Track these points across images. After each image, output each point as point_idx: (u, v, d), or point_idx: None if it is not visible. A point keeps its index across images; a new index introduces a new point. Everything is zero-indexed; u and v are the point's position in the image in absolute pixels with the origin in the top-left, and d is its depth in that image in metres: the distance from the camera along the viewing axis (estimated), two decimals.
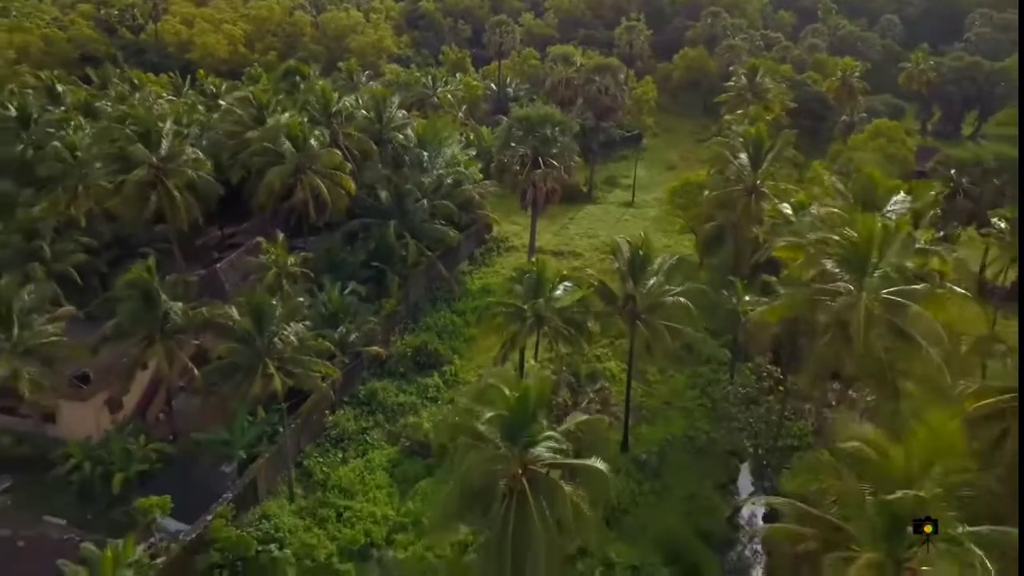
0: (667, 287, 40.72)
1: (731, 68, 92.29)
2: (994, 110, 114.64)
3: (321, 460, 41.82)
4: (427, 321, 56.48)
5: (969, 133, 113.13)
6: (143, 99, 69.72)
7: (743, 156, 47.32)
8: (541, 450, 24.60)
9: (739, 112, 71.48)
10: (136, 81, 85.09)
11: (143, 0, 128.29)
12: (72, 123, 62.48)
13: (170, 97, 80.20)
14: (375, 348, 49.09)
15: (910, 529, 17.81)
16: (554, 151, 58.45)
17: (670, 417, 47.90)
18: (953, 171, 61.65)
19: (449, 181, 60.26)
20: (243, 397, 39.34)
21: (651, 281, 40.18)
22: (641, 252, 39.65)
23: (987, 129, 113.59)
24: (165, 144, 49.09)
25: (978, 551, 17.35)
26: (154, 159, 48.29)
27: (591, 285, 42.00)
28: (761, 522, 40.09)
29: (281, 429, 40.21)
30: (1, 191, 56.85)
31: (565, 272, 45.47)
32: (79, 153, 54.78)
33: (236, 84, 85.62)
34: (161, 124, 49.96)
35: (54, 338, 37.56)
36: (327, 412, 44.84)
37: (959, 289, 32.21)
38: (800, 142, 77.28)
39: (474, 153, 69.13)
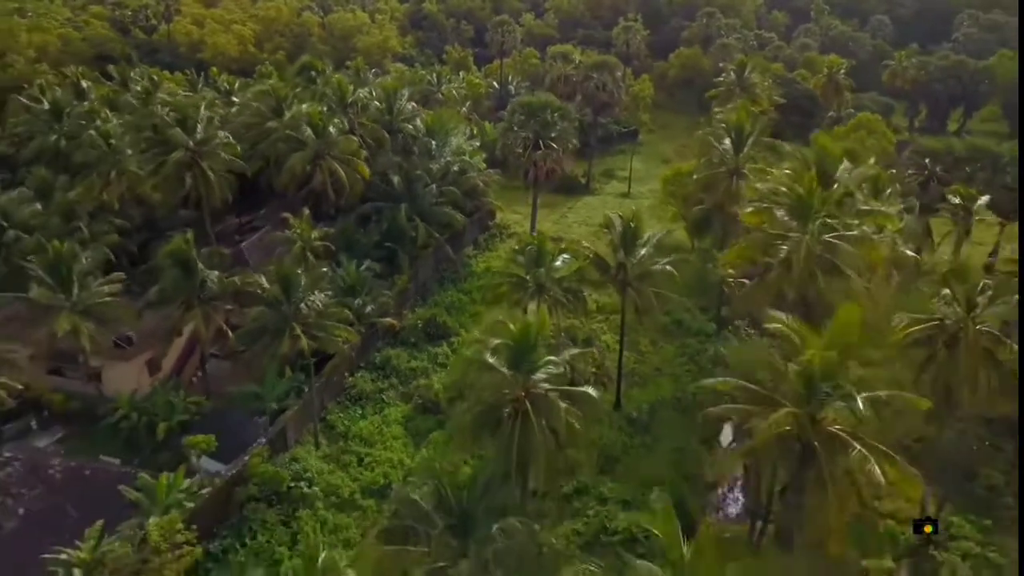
0: (656, 258, 45.27)
1: (721, 65, 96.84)
2: (979, 107, 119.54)
3: (342, 415, 46.40)
4: (435, 298, 61.11)
5: (955, 129, 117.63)
6: (172, 93, 74.35)
7: (727, 141, 52.01)
8: (541, 375, 29.18)
9: (729, 107, 76.08)
10: (155, 78, 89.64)
11: (156, 1, 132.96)
12: (100, 115, 67.27)
13: (187, 93, 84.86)
14: (389, 319, 53.74)
15: (823, 390, 22.39)
16: (553, 134, 63.38)
17: (660, 382, 52.39)
18: (927, 160, 66.23)
19: (455, 169, 64.94)
20: (272, 357, 43.95)
21: (641, 252, 44.71)
22: (632, 225, 44.20)
23: (972, 126, 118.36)
24: (200, 128, 53.89)
25: (865, 406, 21.81)
26: (191, 143, 53.07)
27: (587, 257, 46.54)
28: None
29: (306, 388, 44.79)
30: (39, 177, 61.44)
31: (563, 246, 49.96)
32: (113, 141, 59.49)
33: (248, 82, 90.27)
34: (196, 111, 54.71)
35: (108, 299, 42.22)
36: (347, 374, 49.41)
37: (891, 238, 37.13)
38: (789, 136, 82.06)
39: (478, 144, 73.85)
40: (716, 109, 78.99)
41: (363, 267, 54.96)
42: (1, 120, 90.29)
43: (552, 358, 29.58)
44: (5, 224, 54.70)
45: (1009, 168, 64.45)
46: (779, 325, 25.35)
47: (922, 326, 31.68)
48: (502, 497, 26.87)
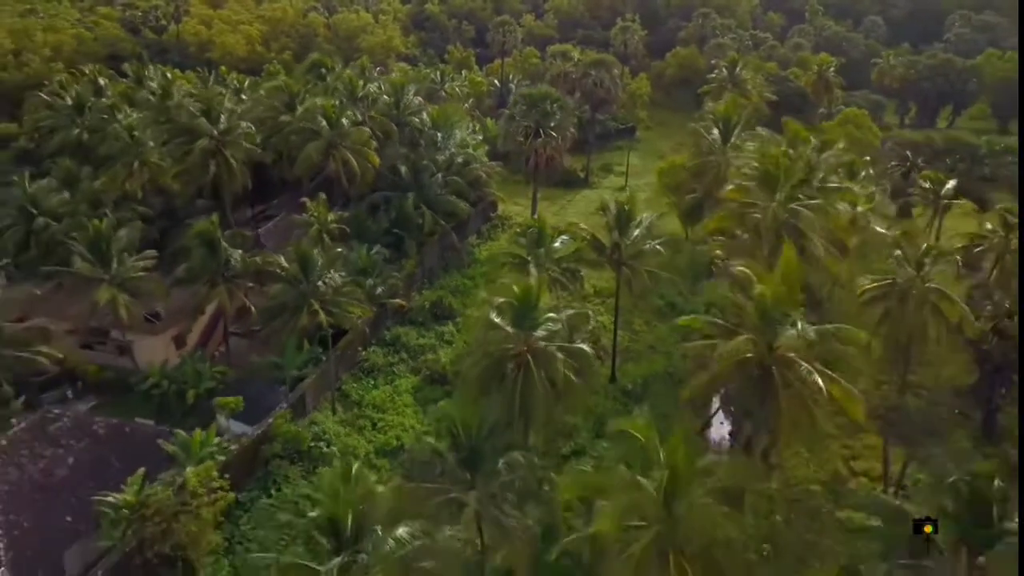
0: (648, 239, 48.90)
1: (713, 62, 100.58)
2: (967, 104, 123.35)
3: (356, 385, 50.04)
4: (441, 282, 64.79)
5: (944, 126, 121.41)
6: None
7: (715, 131, 55.73)
8: (542, 332, 32.80)
9: (720, 101, 79.76)
10: (168, 75, 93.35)
11: (165, 2, 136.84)
12: (121, 110, 70.97)
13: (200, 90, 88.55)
14: (398, 300, 57.43)
15: (780, 324, 26.10)
16: (552, 124, 67.19)
17: (653, 358, 56.01)
18: (908, 152, 69.93)
19: (459, 160, 68.60)
20: (291, 331, 47.72)
21: (635, 233, 48.32)
22: (626, 208, 47.85)
23: (960, 123, 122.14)
24: (224, 119, 57.62)
25: (813, 333, 25.54)
26: (215, 132, 56.79)
27: (584, 239, 50.17)
28: (727, 438, 48.06)
29: (324, 358, 48.43)
30: (64, 168, 65.07)
31: (563, 228, 53.62)
32: (136, 133, 63.21)
33: (257, 80, 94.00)
34: (219, 102, 58.58)
35: (142, 273, 45.88)
36: (360, 349, 53.04)
37: (858, 213, 40.96)
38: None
39: (481, 139, 77.57)
40: (709, 104, 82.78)
41: (373, 251, 58.60)
42: (19, 116, 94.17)
43: (551, 315, 33.24)
44: (35, 211, 58.33)
45: (987, 160, 68.14)
46: (741, 269, 29.13)
47: (878, 284, 35.56)
48: (506, 438, 30.46)
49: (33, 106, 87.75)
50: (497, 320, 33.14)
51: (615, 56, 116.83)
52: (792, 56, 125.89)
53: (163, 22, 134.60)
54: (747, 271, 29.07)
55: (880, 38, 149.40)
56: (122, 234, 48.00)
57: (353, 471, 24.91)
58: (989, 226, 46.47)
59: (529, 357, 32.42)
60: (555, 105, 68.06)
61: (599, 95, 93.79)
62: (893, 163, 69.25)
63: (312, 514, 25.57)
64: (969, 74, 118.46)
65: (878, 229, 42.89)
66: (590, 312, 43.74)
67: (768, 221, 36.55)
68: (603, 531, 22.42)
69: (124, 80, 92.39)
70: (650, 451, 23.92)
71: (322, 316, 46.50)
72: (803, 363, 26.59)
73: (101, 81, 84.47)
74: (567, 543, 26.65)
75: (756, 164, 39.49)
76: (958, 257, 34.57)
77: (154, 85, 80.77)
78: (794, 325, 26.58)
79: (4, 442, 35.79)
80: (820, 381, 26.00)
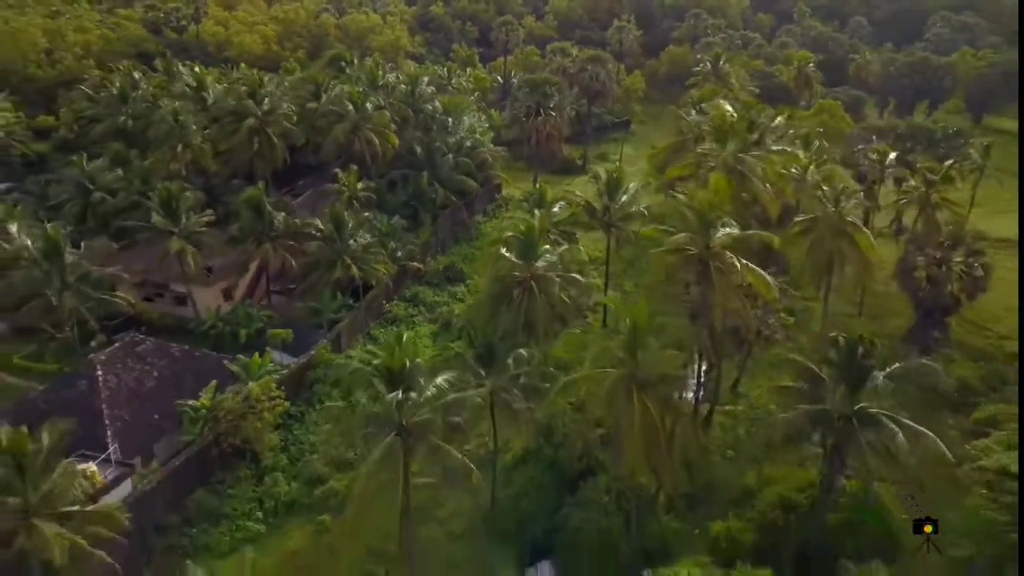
0: (634, 204, 57.25)
1: (699, 56, 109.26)
2: (943, 99, 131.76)
3: (382, 331, 58.33)
4: (452, 251, 73.21)
5: (920, 120, 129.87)
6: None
7: (693, 113, 64.23)
8: (542, 263, 41.15)
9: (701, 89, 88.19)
10: (197, 70, 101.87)
11: (185, 4, 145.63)
12: (161, 99, 79.52)
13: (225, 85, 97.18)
14: (416, 264, 65.81)
15: (714, 228, 34.51)
16: (551, 104, 75.82)
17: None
18: (874, 136, 78.38)
19: (468, 144, 77.17)
20: (326, 283, 56.23)
21: (622, 199, 56.66)
22: (615, 176, 56.23)
23: (936, 116, 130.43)
24: (267, 101, 66.20)
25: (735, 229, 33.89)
26: (259, 112, 65.33)
27: (579, 204, 58.53)
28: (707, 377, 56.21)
29: (355, 305, 56.81)
30: (115, 150, 73.46)
31: (560, 196, 62.03)
32: (181, 118, 71.64)
33: (274, 76, 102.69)
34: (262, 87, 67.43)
35: (204, 228, 54.30)
36: (384, 302, 61.41)
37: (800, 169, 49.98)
38: None
39: (487, 126, 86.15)
40: (693, 91, 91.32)
41: (393, 220, 67.00)
42: (54, 110, 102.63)
43: (548, 247, 41.57)
44: (91, 187, 66.68)
45: (942, 143, 76.66)
46: (683, 191, 37.35)
47: (806, 218, 43.95)
48: (514, 341, 38.73)
49: (71, 99, 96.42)
50: (506, 253, 41.53)
51: (611, 54, 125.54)
52: (779, 54, 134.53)
53: (183, 23, 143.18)
54: (689, 188, 37.46)
55: (864, 38, 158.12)
56: (189, 195, 56.58)
57: (404, 338, 33.22)
58: (912, 183, 54.90)
59: (532, 282, 40.79)
60: (553, 88, 76.77)
61: (595, 88, 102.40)
62: (860, 146, 77.57)
63: (375, 362, 33.82)
64: (944, 71, 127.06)
65: (811, 179, 51.38)
66: (582, 249, 51.47)
67: (719, 166, 45.10)
68: (584, 375, 30.72)
69: (155, 74, 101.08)
70: (620, 316, 32.12)
71: (354, 270, 55.13)
72: (730, 255, 34.86)
73: (136, 75, 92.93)
74: (564, 384, 34.98)
75: (711, 123, 48.08)
76: (862, 193, 42.81)
77: (186, 78, 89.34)
78: (724, 226, 34.84)
79: (103, 357, 44.10)
80: (738, 264, 34.34)
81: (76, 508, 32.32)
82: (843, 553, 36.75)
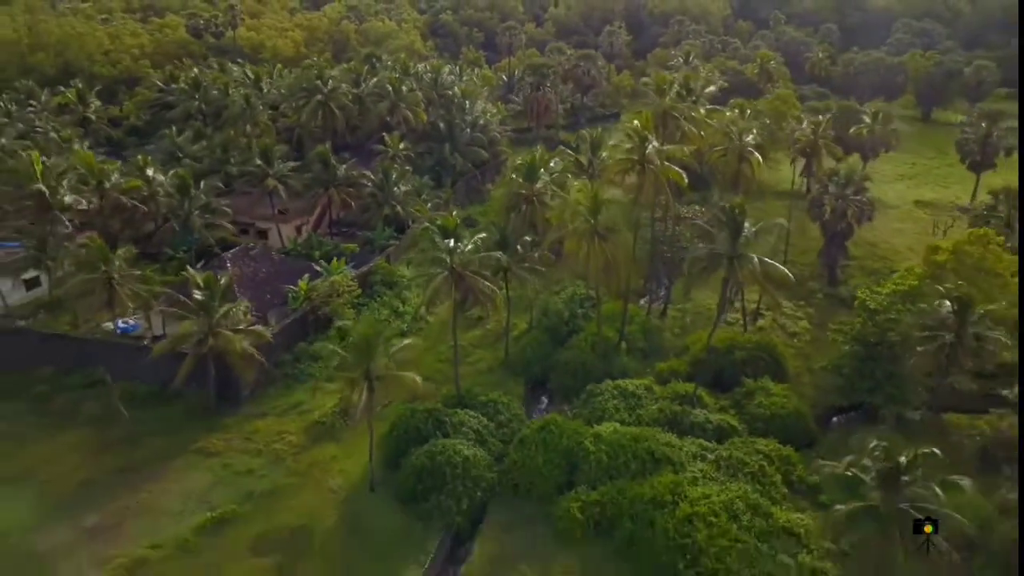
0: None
1: (672, 52, 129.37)
2: (897, 96, 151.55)
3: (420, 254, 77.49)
4: (468, 208, 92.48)
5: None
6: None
7: (651, 93, 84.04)
8: (540, 184, 60.42)
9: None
10: (248, 69, 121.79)
11: (223, 12, 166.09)
12: (229, 88, 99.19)
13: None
14: (442, 214, 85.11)
15: (647, 143, 54.33)
16: (547, 83, 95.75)
17: None
18: (819, 116, 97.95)
19: (481, 122, 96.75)
20: (377, 219, 75.51)
21: (603, 155, 75.88)
22: (595, 137, 75.52)
23: (891, 110, 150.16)
24: (330, 82, 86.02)
25: (659, 146, 53.67)
26: (325, 90, 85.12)
27: (570, 160, 77.77)
28: (664, 294, 75.29)
29: (399, 236, 76.08)
30: (196, 128, 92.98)
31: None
32: (251, 100, 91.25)
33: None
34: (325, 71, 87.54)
35: (290, 173, 73.79)
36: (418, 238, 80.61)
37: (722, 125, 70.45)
38: None
39: (495, 112, 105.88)
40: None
41: (423, 179, 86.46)
42: (118, 103, 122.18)
43: (543, 170, 60.99)
44: (181, 155, 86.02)
45: (865, 118, 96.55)
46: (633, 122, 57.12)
47: (721, 148, 64.38)
48: (521, 235, 58.02)
49: (139, 92, 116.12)
50: (515, 176, 60.77)
51: (603, 56, 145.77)
52: (752, 55, 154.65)
53: (221, 29, 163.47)
54: (633, 122, 56.85)
55: (835, 42, 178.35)
56: (281, 147, 76.05)
57: (455, 223, 52.49)
58: (808, 128, 75.17)
59: (534, 198, 60.04)
60: (549, 71, 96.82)
61: (586, 83, 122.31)
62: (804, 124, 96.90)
63: (438, 223, 53.02)
64: (897, 70, 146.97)
65: (732, 131, 70.65)
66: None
67: (658, 111, 64.61)
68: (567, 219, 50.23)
69: (210, 71, 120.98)
70: (585, 195, 51.36)
71: (400, 209, 74.49)
72: (656, 160, 53.91)
73: (195, 70, 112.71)
74: (550, 240, 54.29)
75: (654, 83, 68.15)
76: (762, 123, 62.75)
77: (247, 72, 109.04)
78: (652, 143, 54.18)
79: (230, 255, 63.30)
80: (658, 161, 53.50)
81: (242, 326, 51.53)
82: (745, 375, 55.89)
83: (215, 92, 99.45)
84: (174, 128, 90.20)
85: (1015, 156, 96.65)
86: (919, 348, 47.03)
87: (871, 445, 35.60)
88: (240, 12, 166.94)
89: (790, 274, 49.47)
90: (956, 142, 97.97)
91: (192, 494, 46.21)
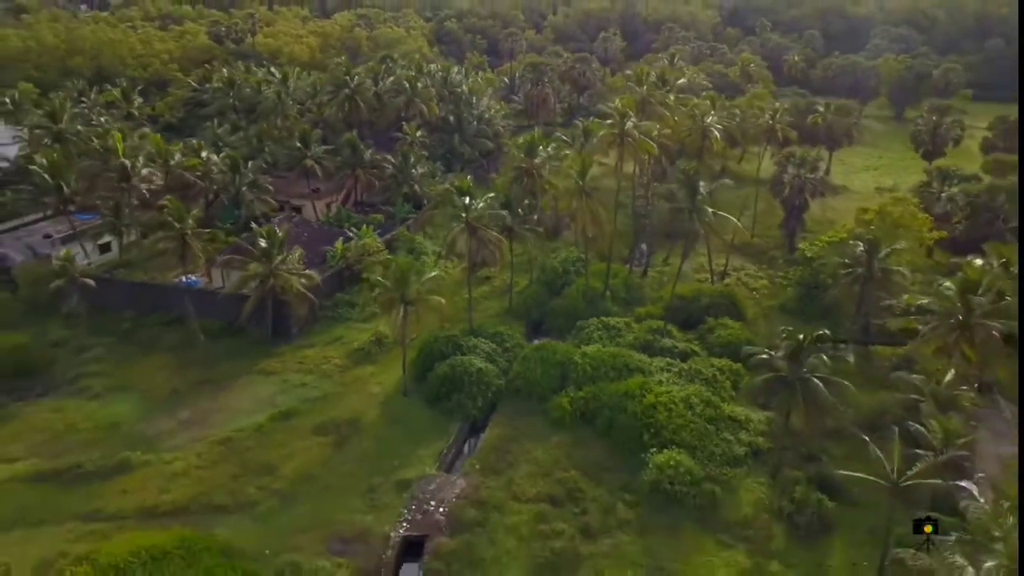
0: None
1: (660, 55, 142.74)
2: (871, 97, 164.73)
3: (431, 231, 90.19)
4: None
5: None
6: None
7: (633, 84, 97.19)
8: (539, 160, 73.30)
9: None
10: (274, 70, 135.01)
11: (243, 20, 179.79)
12: (263, 86, 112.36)
13: None
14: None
15: (626, 121, 67.22)
16: (546, 79, 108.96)
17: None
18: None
19: (487, 116, 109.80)
20: (397, 196, 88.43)
21: (593, 140, 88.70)
22: (587, 126, 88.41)
23: (866, 111, 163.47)
24: (356, 78, 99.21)
25: (637, 124, 66.32)
26: (352, 84, 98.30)
27: (564, 143, 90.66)
28: (644, 248, 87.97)
29: (416, 211, 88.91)
30: (232, 121, 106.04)
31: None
32: (282, 96, 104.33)
33: (322, 76, 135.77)
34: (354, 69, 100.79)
35: (325, 155, 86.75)
36: (434, 211, 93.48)
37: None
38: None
39: (499, 107, 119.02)
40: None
41: (435, 165, 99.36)
42: (151, 104, 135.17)
43: (541, 146, 73.92)
44: (221, 144, 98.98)
45: (819, 108, 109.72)
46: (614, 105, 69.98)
47: (687, 127, 77.32)
48: (523, 201, 70.75)
49: (171, 92, 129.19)
50: (516, 151, 73.63)
51: (598, 59, 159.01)
52: (737, 59, 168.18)
53: (240, 35, 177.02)
54: (616, 105, 69.79)
55: (817, 48, 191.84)
56: (317, 132, 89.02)
57: (468, 184, 65.21)
58: (767, 115, 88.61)
59: (534, 171, 72.86)
60: (547, 68, 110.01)
61: (583, 83, 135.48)
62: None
63: (456, 184, 65.76)
64: (871, 73, 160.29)
65: (696, 114, 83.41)
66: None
67: (637, 98, 77.96)
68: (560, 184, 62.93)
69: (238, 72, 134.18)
70: (574, 165, 64.18)
71: (416, 188, 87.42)
72: (634, 133, 66.73)
73: (225, 71, 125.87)
74: (546, 202, 67.11)
75: (634, 76, 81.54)
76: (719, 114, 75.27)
77: (260, 74, 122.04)
78: (630, 119, 67.15)
79: (276, 220, 76.06)
80: (637, 134, 66.32)
81: (296, 272, 64.21)
82: (709, 316, 68.45)
83: (248, 90, 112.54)
84: (215, 121, 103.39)
85: (963, 145, 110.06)
86: (841, 282, 59.65)
87: (780, 330, 48.16)
88: (259, 20, 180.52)
89: (739, 223, 62.27)
90: (910, 134, 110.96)
91: (260, 399, 58.69)
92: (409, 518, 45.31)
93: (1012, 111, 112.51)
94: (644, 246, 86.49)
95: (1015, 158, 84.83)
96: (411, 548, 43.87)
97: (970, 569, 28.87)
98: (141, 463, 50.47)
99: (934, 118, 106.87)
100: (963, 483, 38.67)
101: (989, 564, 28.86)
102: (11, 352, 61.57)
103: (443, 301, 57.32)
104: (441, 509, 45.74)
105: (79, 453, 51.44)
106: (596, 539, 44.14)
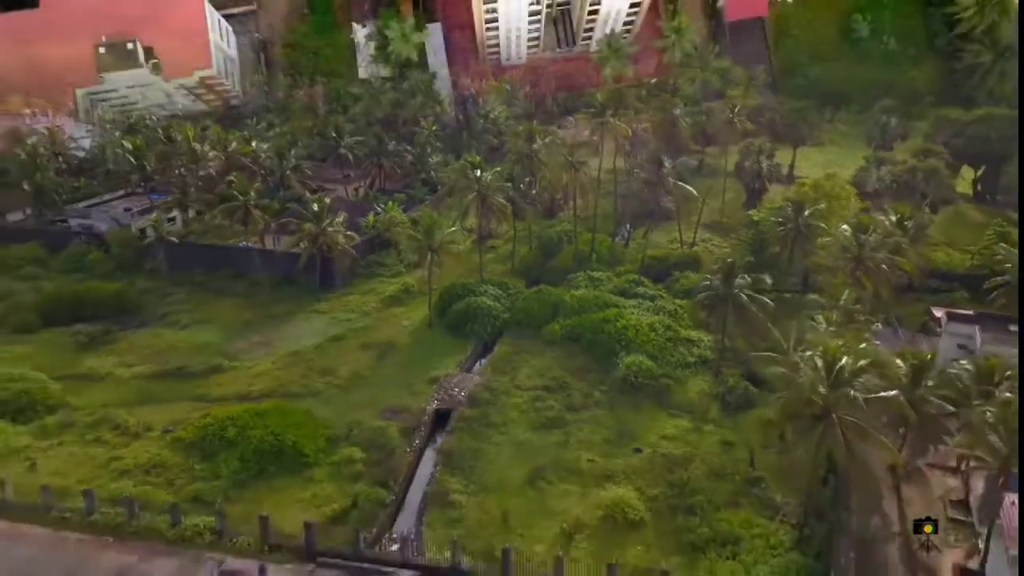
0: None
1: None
2: (847, 104, 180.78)
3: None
4: None
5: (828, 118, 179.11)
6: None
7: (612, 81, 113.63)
8: (538, 145, 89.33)
9: None
10: None
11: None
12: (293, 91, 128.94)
13: None
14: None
15: (609, 109, 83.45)
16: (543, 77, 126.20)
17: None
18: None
19: (492, 115, 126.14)
20: (417, 183, 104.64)
21: (586, 132, 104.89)
22: (578, 120, 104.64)
23: (837, 119, 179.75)
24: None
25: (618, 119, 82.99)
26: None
27: (562, 137, 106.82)
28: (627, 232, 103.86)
29: (432, 194, 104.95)
30: (268, 121, 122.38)
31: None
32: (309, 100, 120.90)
33: None
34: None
35: (356, 144, 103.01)
36: (447, 197, 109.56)
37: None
38: None
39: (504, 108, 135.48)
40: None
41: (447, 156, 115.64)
42: None
43: (539, 134, 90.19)
44: (260, 139, 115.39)
45: (778, 109, 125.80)
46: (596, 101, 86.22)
47: (654, 121, 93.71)
48: (524, 178, 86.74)
49: None
50: (516, 139, 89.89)
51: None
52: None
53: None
54: (598, 98, 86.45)
55: None
56: (348, 126, 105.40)
57: (479, 160, 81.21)
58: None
59: (532, 154, 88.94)
60: (546, 68, 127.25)
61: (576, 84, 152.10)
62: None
63: (468, 159, 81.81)
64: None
65: (675, 112, 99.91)
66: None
67: (615, 93, 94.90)
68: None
69: None
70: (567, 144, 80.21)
71: (433, 174, 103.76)
72: (613, 119, 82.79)
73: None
74: (542, 176, 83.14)
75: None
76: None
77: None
78: (612, 111, 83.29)
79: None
80: (623, 125, 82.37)
81: (340, 231, 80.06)
82: (675, 271, 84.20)
83: (279, 93, 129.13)
84: (254, 119, 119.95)
85: (908, 140, 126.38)
86: (776, 237, 75.56)
87: (716, 266, 64.16)
88: None
89: (695, 192, 78.36)
90: (864, 131, 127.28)
91: (315, 329, 74.47)
92: (439, 398, 61.02)
93: (954, 112, 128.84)
94: (628, 225, 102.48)
95: (939, 147, 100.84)
96: (441, 417, 59.49)
97: None
98: (230, 367, 66.34)
99: (883, 117, 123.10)
100: None
101: None
102: (113, 295, 77.69)
103: (460, 248, 73.26)
104: (463, 393, 61.42)
105: (182, 361, 67.28)
106: (578, 411, 59.86)
